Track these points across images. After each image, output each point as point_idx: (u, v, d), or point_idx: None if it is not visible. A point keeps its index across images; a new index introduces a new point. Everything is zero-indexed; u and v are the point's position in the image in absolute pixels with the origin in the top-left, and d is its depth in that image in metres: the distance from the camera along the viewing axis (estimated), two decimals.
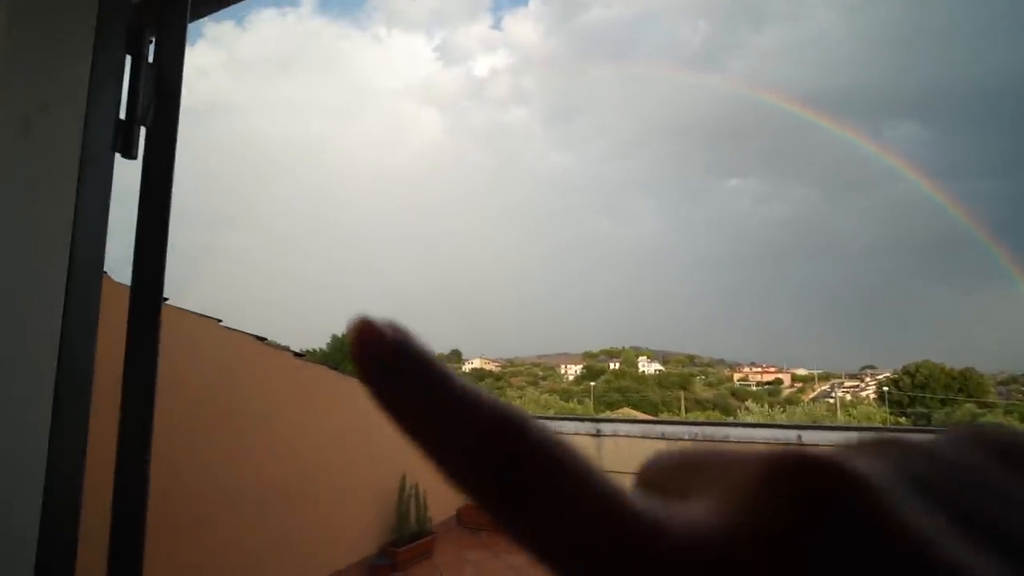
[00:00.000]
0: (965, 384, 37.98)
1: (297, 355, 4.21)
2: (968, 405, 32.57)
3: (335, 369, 4.64)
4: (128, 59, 0.91)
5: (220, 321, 3.46)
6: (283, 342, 4.29)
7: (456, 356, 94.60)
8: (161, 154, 0.92)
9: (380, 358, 0.14)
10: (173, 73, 0.93)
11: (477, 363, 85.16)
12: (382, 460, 4.92)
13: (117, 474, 0.91)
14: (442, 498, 5.66)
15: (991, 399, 36.90)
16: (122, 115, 0.87)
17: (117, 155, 0.88)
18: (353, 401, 4.71)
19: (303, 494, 4.01)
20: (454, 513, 5.94)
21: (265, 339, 3.81)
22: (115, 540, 0.92)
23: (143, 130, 0.90)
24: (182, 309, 3.22)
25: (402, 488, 4.89)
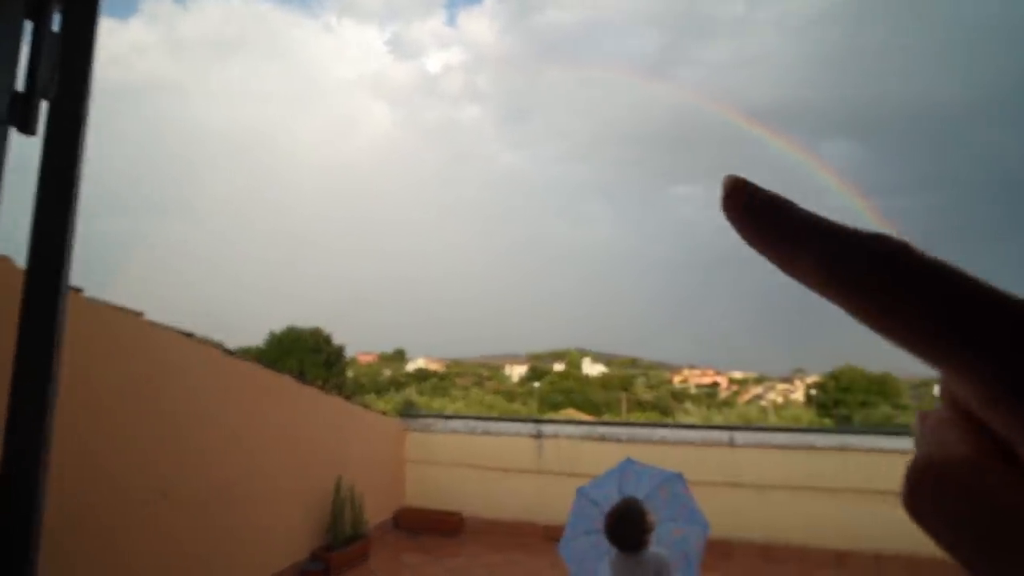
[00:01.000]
0: (883, 388, 40.61)
1: (228, 352, 4.02)
2: (885, 408, 34.86)
3: (268, 367, 4.46)
4: (30, 26, 0.83)
5: (142, 315, 3.26)
6: (221, 338, 4.08)
7: (400, 355, 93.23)
8: (66, 131, 0.85)
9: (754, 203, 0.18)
10: (82, 45, 0.85)
11: (421, 362, 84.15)
12: (317, 461, 4.77)
13: (3, 475, 0.83)
14: (380, 501, 5.55)
15: (905, 402, 39.63)
16: (20, 87, 0.79)
17: (13, 130, 0.80)
18: (287, 400, 4.54)
19: (231, 497, 3.83)
20: (391, 516, 5.84)
21: (192, 335, 3.62)
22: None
23: (45, 104, 0.82)
24: (100, 301, 3.01)
25: (337, 490, 4.76)
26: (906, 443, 5.09)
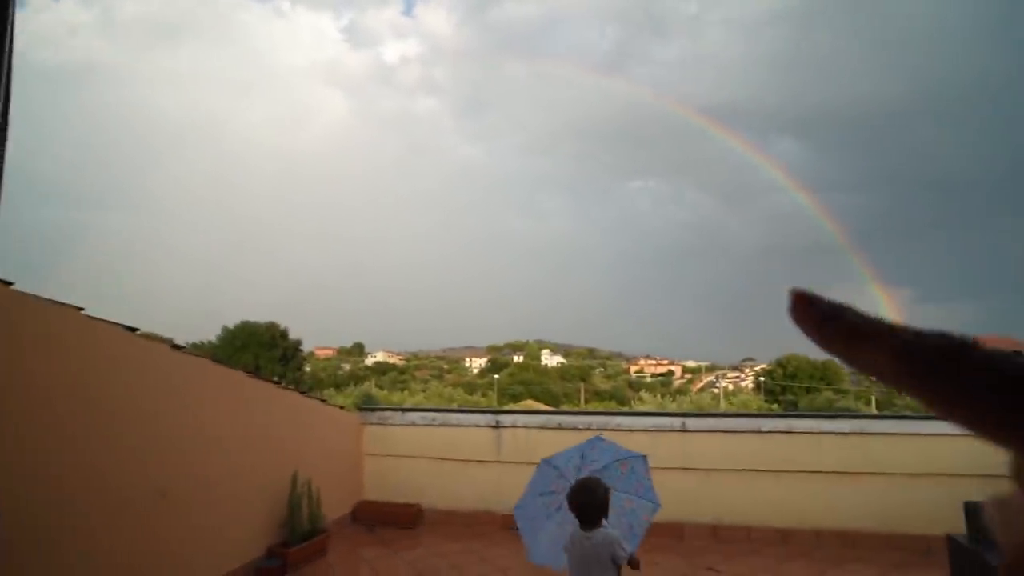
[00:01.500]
0: (825, 374, 42.56)
1: (176, 347, 3.88)
2: (827, 393, 36.58)
3: (220, 363, 4.33)
4: None
5: (82, 310, 3.11)
6: (172, 334, 3.94)
7: (359, 349, 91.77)
8: None
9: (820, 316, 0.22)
10: None
11: (380, 356, 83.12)
12: (272, 457, 4.68)
13: None
14: (338, 495, 5.49)
15: (845, 387, 41.68)
16: None
17: None
18: (241, 396, 4.43)
19: (181, 495, 3.71)
20: (349, 510, 5.79)
21: (137, 330, 3.48)
22: None
23: None
24: (33, 295, 2.86)
25: (293, 485, 4.68)
26: (845, 425, 5.38)
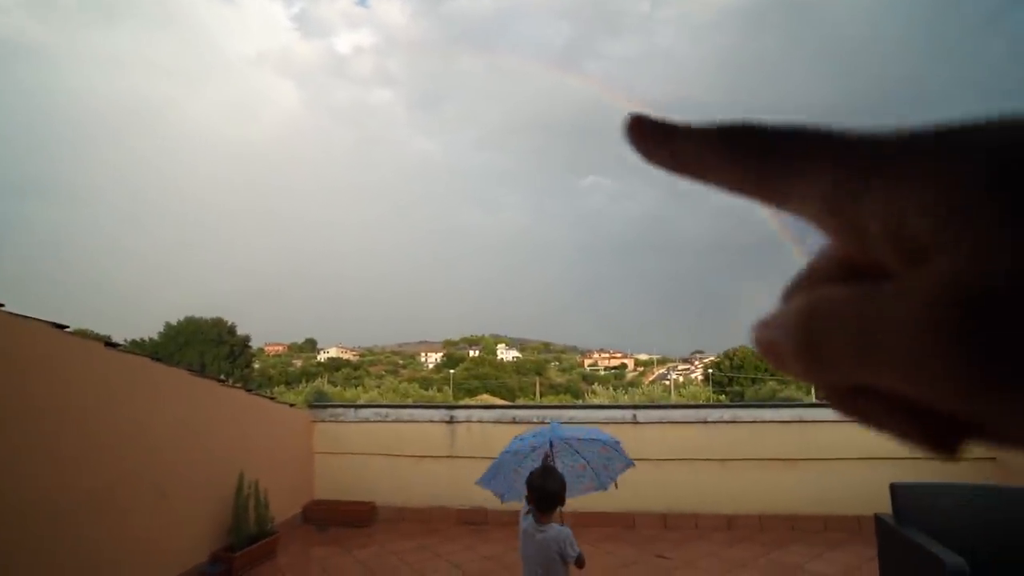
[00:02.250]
0: (769, 365, 44.50)
1: (111, 345, 3.68)
2: (771, 383, 38.18)
3: (160, 361, 4.14)
4: None
5: (2, 305, 2.91)
6: (110, 332, 3.73)
7: (311, 345, 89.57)
8: None
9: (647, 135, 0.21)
10: None
11: (333, 352, 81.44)
12: (216, 458, 4.52)
13: None
14: (287, 495, 5.35)
15: (788, 377, 43.62)
16: None
17: None
18: (181, 396, 4.25)
19: (120, 503, 3.54)
20: (300, 510, 5.66)
21: (66, 327, 3.28)
22: None
23: None
24: None
25: (240, 487, 4.53)
26: (785, 414, 5.63)
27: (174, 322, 38.86)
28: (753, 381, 40.87)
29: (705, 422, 5.63)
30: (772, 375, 41.31)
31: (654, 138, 0.21)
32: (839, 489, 5.24)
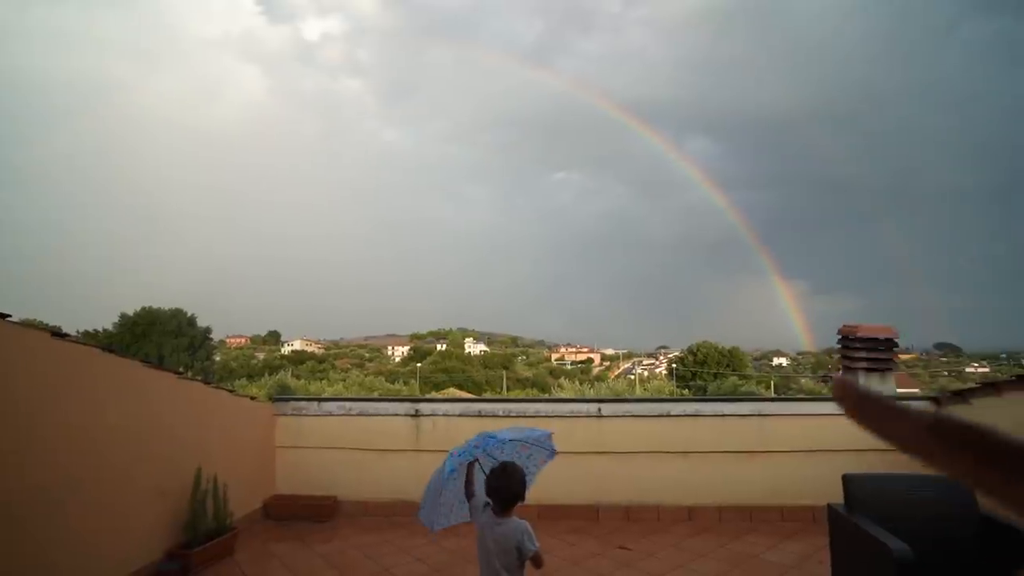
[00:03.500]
0: (732, 360, 45.49)
1: (58, 335, 3.52)
2: (732, 378, 39.13)
3: (112, 352, 3.97)
4: None
5: None
6: (60, 323, 3.54)
7: (275, 337, 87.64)
8: None
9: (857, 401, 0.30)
10: None
11: (298, 344, 79.90)
12: (172, 453, 4.38)
13: None
14: (247, 490, 5.23)
15: (748, 372, 44.78)
16: None
17: None
18: (135, 388, 4.10)
19: (71, 500, 3.40)
20: (260, 505, 5.54)
21: (8, 316, 3.12)
22: None
23: None
24: None
25: (197, 482, 4.40)
26: (745, 408, 5.77)
27: (131, 313, 37.45)
28: (716, 376, 41.78)
29: (668, 415, 5.73)
30: (734, 371, 42.34)
31: (861, 409, 0.29)
32: (795, 481, 5.41)
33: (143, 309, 37.65)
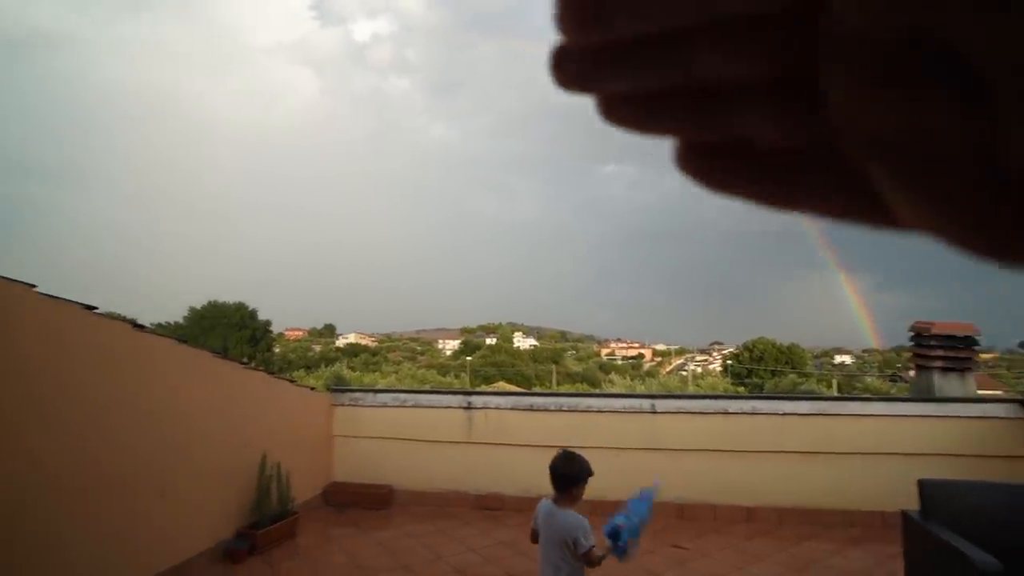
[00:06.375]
0: (790, 358, 43.79)
1: (138, 327, 3.75)
2: (791, 376, 37.71)
3: (185, 343, 4.21)
4: None
5: (35, 287, 2.98)
6: (136, 314, 3.80)
7: (330, 330, 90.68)
8: None
9: None
10: None
11: (352, 338, 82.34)
12: (240, 438, 4.60)
13: None
14: (307, 477, 5.44)
15: (808, 370, 43.00)
16: None
17: None
18: (206, 377, 4.33)
19: (150, 477, 3.63)
20: (320, 491, 5.75)
21: (95, 308, 3.35)
22: None
23: None
24: None
25: (263, 467, 4.62)
26: (806, 406, 5.54)
27: (198, 306, 39.56)
28: (773, 373, 40.35)
29: (725, 413, 5.58)
30: (793, 368, 40.77)
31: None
32: (861, 484, 5.16)
33: (209, 303, 39.71)
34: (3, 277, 2.83)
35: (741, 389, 33.30)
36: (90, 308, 3.33)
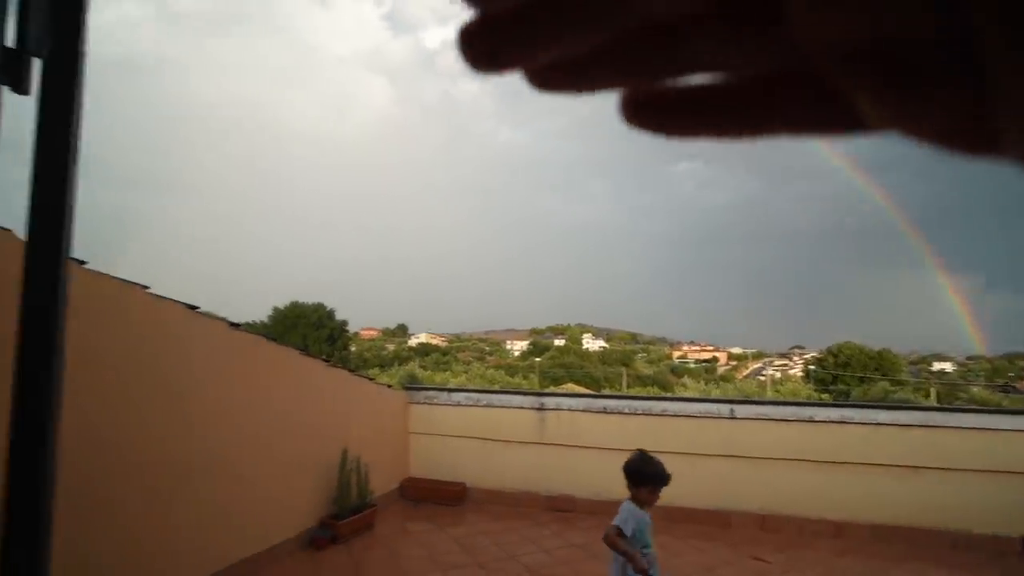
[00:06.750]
0: (881, 364, 40.76)
1: (233, 325, 4.02)
2: (882, 383, 35.08)
3: (274, 340, 4.47)
4: None
5: (148, 288, 3.25)
6: (224, 314, 4.07)
7: (402, 330, 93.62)
8: (62, 91, 0.82)
9: None
10: (74, 1, 0.82)
11: (424, 337, 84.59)
12: (324, 433, 4.82)
13: (12, 451, 0.83)
14: (385, 471, 5.62)
15: (903, 378, 39.87)
16: (10, 42, 0.76)
17: (6, 89, 0.77)
18: (292, 373, 4.57)
19: (242, 466, 3.88)
20: (396, 486, 5.93)
21: (197, 307, 3.62)
22: (11, 527, 0.84)
23: (37, 63, 0.79)
24: (104, 274, 3.00)
25: (343, 461, 4.81)
26: (905, 416, 5.12)
27: (280, 306, 41.96)
28: (861, 380, 37.71)
29: (811, 421, 5.26)
30: (884, 375, 37.94)
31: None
32: (971, 504, 4.71)
33: (291, 303, 42.02)
34: (121, 279, 3.11)
35: (825, 396, 31.34)
36: (192, 307, 3.59)
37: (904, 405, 6.18)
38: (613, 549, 2.40)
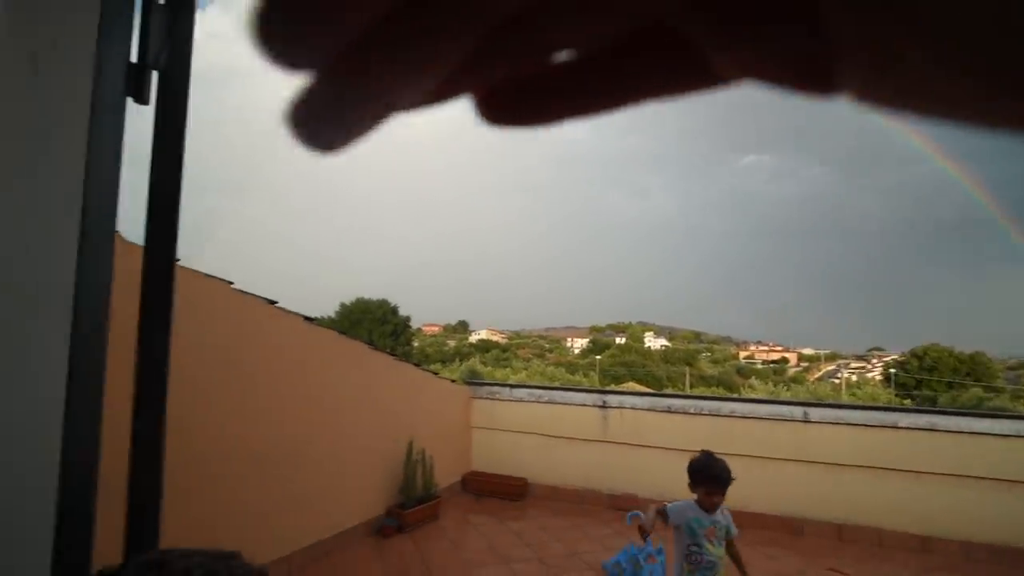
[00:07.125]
0: (973, 368, 37.72)
1: (307, 319, 4.22)
2: (975, 390, 32.42)
3: (344, 334, 4.66)
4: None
5: (232, 284, 3.47)
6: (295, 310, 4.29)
7: (463, 326, 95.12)
8: (175, 101, 0.89)
9: None
10: (185, 16, 0.89)
11: (484, 334, 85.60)
12: (391, 425, 4.98)
13: (134, 434, 0.91)
14: (448, 464, 5.75)
15: (999, 384, 36.73)
16: (133, 58, 0.84)
17: (129, 100, 0.85)
18: (361, 366, 4.74)
19: (313, 455, 4.07)
20: (459, 479, 6.04)
21: (276, 302, 3.82)
22: (133, 498, 0.93)
23: (155, 75, 0.87)
24: (194, 271, 3.23)
25: (409, 453, 4.96)
26: (1006, 426, 4.73)
27: (347, 302, 43.60)
28: (950, 386, 35.05)
29: (894, 427, 4.95)
30: (977, 381, 35.08)
31: None
32: None
33: (357, 299, 43.57)
34: (207, 275, 3.33)
35: (907, 401, 29.35)
36: (272, 302, 3.80)
37: (1003, 413, 5.70)
38: (643, 514, 2.56)
